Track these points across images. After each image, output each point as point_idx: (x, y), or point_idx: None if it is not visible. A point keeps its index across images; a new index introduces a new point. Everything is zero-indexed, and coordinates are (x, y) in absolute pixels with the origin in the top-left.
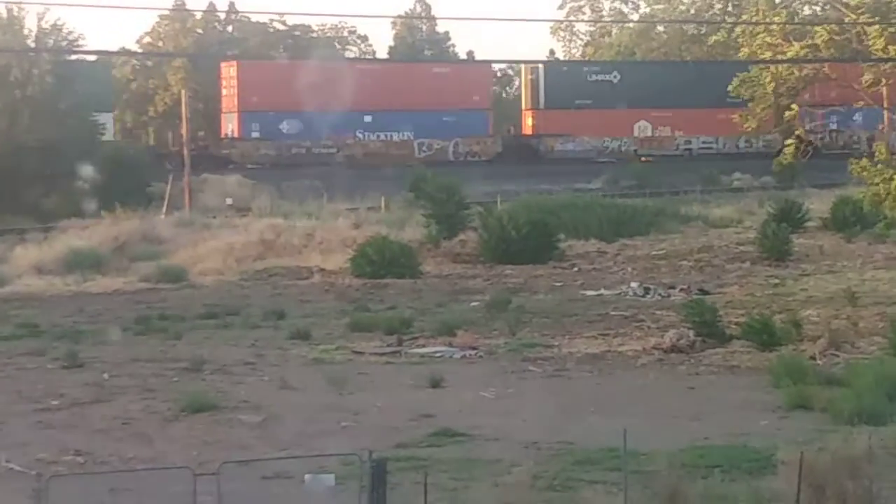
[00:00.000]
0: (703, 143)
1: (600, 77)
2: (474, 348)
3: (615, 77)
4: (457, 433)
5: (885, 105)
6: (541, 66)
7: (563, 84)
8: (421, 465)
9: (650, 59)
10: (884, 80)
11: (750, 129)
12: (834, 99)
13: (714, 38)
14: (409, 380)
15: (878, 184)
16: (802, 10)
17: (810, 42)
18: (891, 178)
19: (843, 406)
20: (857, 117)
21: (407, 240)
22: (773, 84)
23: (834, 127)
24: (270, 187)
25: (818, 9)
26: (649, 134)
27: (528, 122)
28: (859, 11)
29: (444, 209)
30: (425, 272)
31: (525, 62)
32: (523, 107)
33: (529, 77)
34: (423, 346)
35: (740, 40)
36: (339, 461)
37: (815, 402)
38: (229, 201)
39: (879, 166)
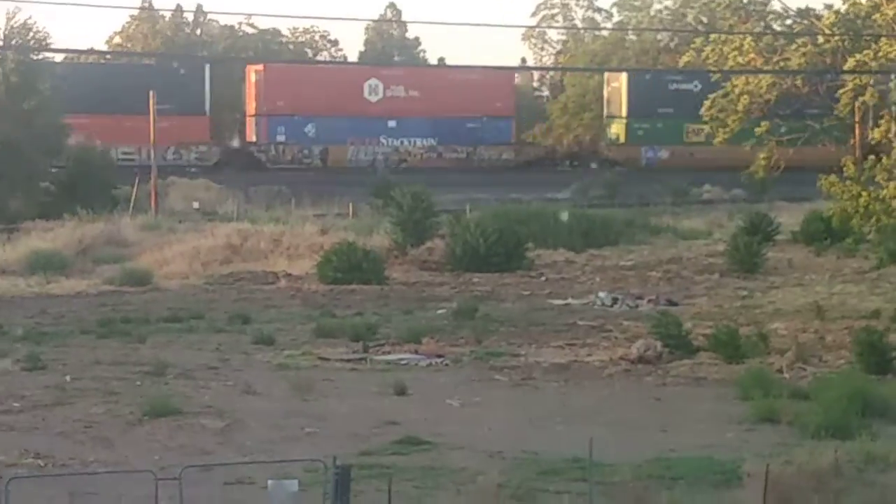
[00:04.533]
0: (124, 153)
1: None
2: (440, 356)
3: None
4: (421, 441)
5: (857, 120)
6: None
7: None
8: (385, 472)
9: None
10: (858, 99)
11: (720, 143)
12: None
13: (685, 58)
14: (374, 387)
15: (846, 200)
16: (774, 24)
17: (783, 59)
18: (858, 195)
19: (809, 419)
20: (310, 128)
21: (374, 246)
22: (747, 99)
23: (282, 139)
24: (238, 192)
25: (790, 22)
26: None
27: None
28: (834, 29)
29: (412, 216)
30: (392, 279)
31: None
32: None
33: None
34: (389, 352)
35: (709, 61)
36: (303, 467)
37: (782, 416)
38: (196, 205)
39: (848, 183)
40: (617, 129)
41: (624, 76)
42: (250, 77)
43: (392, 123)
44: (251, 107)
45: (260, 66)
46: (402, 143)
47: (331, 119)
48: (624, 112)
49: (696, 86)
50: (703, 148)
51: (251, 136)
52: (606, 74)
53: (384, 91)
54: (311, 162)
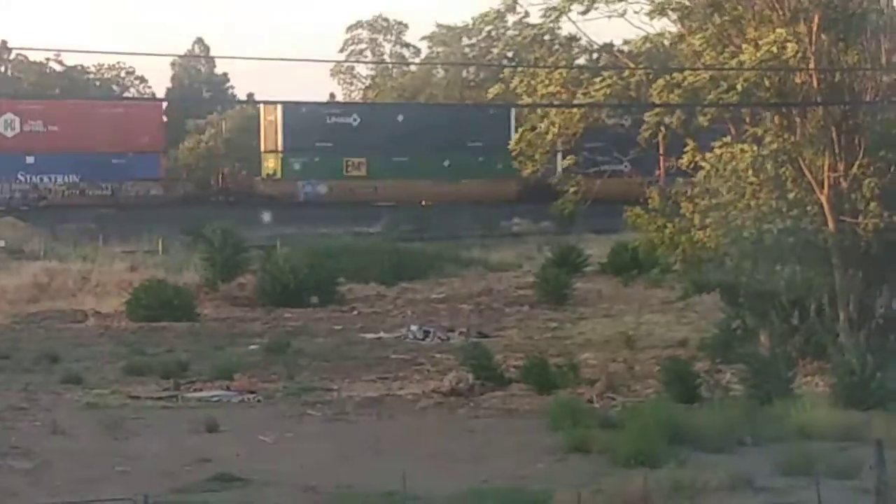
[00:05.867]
0: None
1: None
2: (252, 392)
3: None
4: (234, 478)
5: (661, 152)
6: None
7: None
8: None
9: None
10: (661, 129)
11: (529, 175)
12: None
13: (493, 89)
14: (186, 424)
15: (652, 231)
16: (579, 59)
17: (591, 93)
18: (664, 227)
19: (619, 448)
20: None
21: (185, 283)
22: (556, 129)
23: None
24: (44, 230)
25: (595, 56)
26: None
27: None
28: (638, 61)
29: (222, 252)
30: (203, 315)
31: None
32: None
33: None
34: (201, 390)
35: (519, 91)
36: None
37: (592, 445)
38: (1, 243)
39: (652, 214)
40: (273, 164)
41: (279, 109)
42: None
43: (30, 160)
44: None
45: None
46: (41, 179)
47: None
48: (280, 146)
49: (354, 119)
50: (364, 182)
51: None
52: (262, 107)
53: (21, 126)
54: None
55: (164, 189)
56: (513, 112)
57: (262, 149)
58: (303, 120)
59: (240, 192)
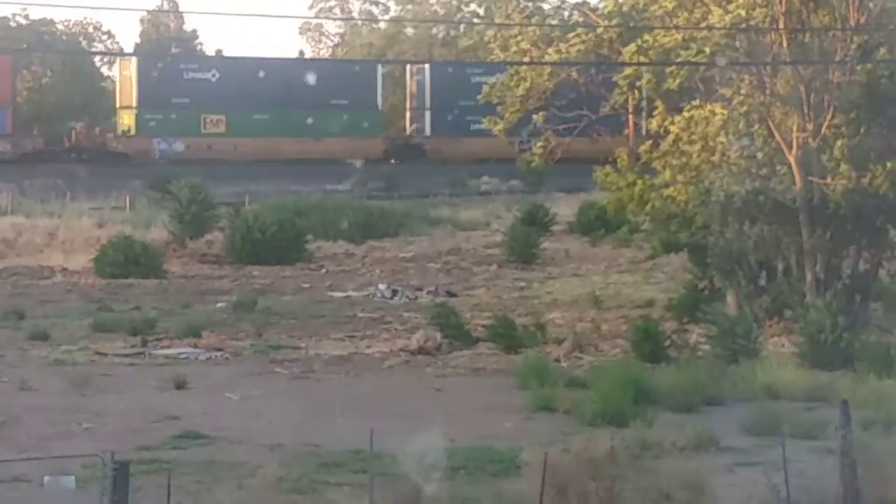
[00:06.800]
0: None
1: None
2: (220, 350)
3: None
4: (201, 435)
5: (630, 111)
6: None
7: None
8: (164, 467)
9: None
10: (634, 92)
11: (499, 133)
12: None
13: (464, 40)
14: (153, 381)
15: (621, 189)
16: (553, 17)
17: (563, 49)
18: (633, 184)
19: (586, 408)
20: None
21: (152, 239)
22: (525, 88)
23: None
24: (11, 185)
25: (567, 14)
26: None
27: None
28: (611, 20)
29: (189, 209)
30: (171, 272)
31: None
32: None
33: None
34: (168, 347)
35: (492, 45)
36: (81, 463)
37: (559, 404)
38: None
39: (622, 173)
40: (128, 121)
41: (134, 62)
42: None
43: None
44: None
45: None
46: None
47: None
48: (135, 102)
49: (213, 75)
50: (223, 140)
51: None
52: (118, 61)
53: None
54: None
55: (11, 146)
56: (380, 70)
57: (118, 104)
58: (159, 75)
59: (92, 149)
